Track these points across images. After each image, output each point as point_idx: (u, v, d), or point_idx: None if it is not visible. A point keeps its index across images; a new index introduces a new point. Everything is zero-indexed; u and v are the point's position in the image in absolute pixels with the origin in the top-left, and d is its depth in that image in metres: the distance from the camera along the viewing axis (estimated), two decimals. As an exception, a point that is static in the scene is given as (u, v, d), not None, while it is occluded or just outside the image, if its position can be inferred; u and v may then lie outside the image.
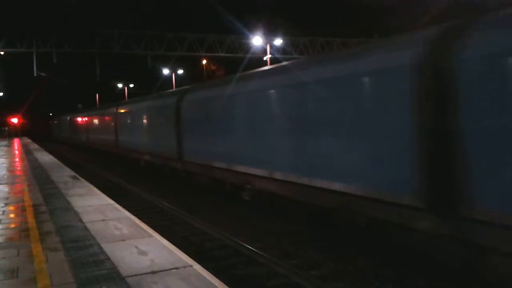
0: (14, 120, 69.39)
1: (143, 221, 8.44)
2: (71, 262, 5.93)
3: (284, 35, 42.58)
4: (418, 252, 7.28)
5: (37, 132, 68.62)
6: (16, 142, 46.35)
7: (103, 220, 8.44)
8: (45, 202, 10.50)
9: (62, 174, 16.47)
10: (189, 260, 5.88)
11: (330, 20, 60.70)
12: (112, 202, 10.46)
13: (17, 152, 31.28)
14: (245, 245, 9.19)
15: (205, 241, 9.92)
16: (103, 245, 6.66)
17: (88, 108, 54.48)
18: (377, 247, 8.26)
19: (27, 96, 66.39)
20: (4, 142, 47.09)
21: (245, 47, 43.27)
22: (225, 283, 5.14)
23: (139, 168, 22.59)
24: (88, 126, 38.53)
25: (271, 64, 31.53)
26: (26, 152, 30.14)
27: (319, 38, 46.41)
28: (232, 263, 8.36)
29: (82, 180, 14.68)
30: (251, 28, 39.18)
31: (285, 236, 9.80)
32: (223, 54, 44.37)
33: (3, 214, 9.30)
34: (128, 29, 41.89)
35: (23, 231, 7.72)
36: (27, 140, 52.50)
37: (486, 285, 6.44)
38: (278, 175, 10.24)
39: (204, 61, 55.55)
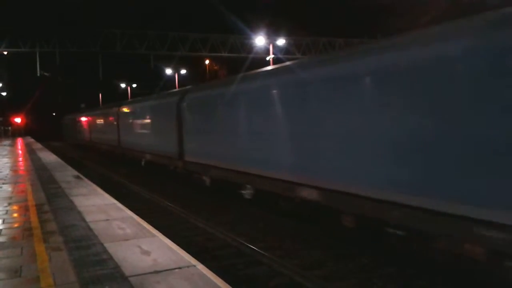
0: (18, 120, 69.63)
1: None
2: (74, 261, 5.94)
3: (287, 35, 42.63)
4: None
5: (43, 132, 66.54)
6: (20, 142, 46.47)
7: (106, 219, 8.45)
8: (48, 202, 10.52)
9: (66, 173, 16.51)
10: (192, 260, 5.88)
11: (333, 20, 60.65)
12: (115, 201, 10.48)
13: (20, 151, 31.37)
14: (248, 244, 9.21)
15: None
16: (106, 245, 6.67)
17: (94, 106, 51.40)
18: (379, 246, 8.25)
19: (30, 96, 66.49)
20: (8, 142, 47.25)
21: (248, 47, 43.35)
22: (227, 283, 5.15)
23: (142, 168, 22.48)
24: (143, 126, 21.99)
25: (273, 64, 31.47)
26: (30, 151, 30.22)
27: (321, 38, 46.43)
28: (235, 263, 8.37)
29: (86, 179, 14.70)
30: (254, 28, 39.26)
31: (287, 236, 9.81)
32: (226, 54, 44.49)
33: (6, 213, 9.32)
34: (130, 29, 42.04)
35: (26, 231, 7.73)
36: (30, 139, 52.62)
37: (489, 285, 6.44)
38: None
39: (207, 61, 55.66)
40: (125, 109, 25.81)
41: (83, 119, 41.00)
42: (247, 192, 11.77)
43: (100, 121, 33.72)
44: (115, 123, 27.44)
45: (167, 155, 17.65)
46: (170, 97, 18.19)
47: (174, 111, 16.66)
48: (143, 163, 21.47)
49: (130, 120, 24.11)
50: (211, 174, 13.96)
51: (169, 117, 17.27)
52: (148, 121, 20.92)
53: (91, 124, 37.05)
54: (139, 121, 22.36)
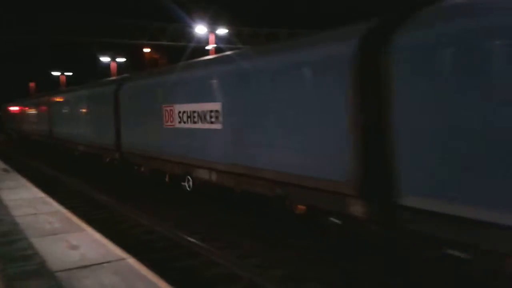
0: None
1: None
2: (-4, 258, 5.65)
3: (228, 25, 42.38)
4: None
5: None
6: None
7: (34, 214, 8.13)
8: (-29, 196, 9.92)
9: (-8, 166, 15.63)
10: (122, 253, 5.77)
11: (276, 10, 60.95)
12: (44, 195, 10.10)
13: None
14: (186, 237, 9.11)
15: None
16: (33, 240, 6.43)
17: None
18: (315, 233, 8.43)
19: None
20: None
21: (189, 36, 42.70)
22: (161, 275, 5.07)
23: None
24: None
25: (215, 53, 31.26)
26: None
27: (264, 28, 46.57)
28: (172, 256, 8.26)
29: (13, 172, 14.01)
30: (195, 17, 38.69)
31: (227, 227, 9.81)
32: (166, 43, 43.59)
33: None
34: (66, 14, 40.26)
35: None
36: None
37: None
38: None
39: (147, 49, 54.37)
40: (137, 87, 14.77)
41: (40, 105, 29.84)
42: None
43: (73, 108, 21.72)
44: (110, 108, 16.15)
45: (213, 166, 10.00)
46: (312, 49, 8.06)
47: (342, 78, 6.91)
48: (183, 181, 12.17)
49: (159, 104, 12.60)
50: None
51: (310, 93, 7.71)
52: (212, 105, 10.24)
53: (53, 113, 25.56)
54: (189, 106, 11.20)
